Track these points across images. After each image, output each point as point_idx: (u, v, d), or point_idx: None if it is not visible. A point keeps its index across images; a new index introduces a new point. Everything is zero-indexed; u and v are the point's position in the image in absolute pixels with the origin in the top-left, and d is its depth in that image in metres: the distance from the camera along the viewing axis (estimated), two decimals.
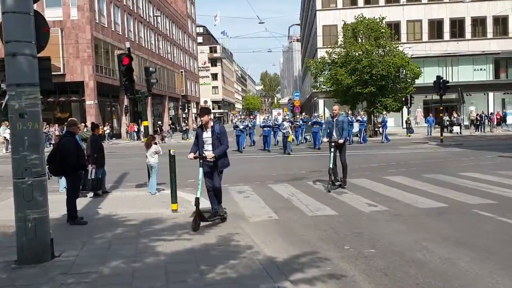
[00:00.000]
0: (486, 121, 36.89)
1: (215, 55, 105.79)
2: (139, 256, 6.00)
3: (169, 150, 9.02)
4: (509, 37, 42.52)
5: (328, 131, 11.34)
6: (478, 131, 36.04)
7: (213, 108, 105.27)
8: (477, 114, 37.61)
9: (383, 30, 33.63)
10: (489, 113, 38.43)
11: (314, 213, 8.52)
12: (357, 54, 32.74)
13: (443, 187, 10.66)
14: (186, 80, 67.61)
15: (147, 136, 11.28)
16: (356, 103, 34.27)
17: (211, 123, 7.76)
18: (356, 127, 28.47)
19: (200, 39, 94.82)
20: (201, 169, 7.78)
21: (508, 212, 7.88)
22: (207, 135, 7.77)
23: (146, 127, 11.24)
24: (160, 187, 11.21)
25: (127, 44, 10.69)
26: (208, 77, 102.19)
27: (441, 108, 26.16)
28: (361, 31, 33.74)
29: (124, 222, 8.16)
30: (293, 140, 22.27)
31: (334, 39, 38.65)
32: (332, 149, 10.80)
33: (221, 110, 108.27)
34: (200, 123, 8.10)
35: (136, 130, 41.36)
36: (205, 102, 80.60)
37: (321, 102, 42.71)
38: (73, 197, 8.17)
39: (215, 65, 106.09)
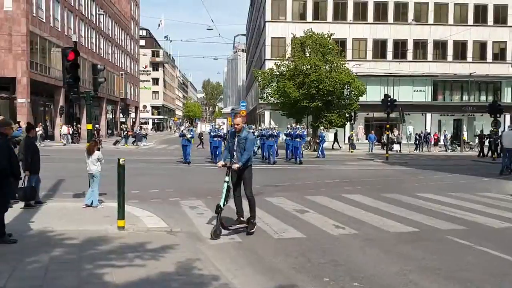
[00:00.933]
0: (424, 140, 38.01)
1: (157, 59, 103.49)
2: None
3: (118, 159, 7.94)
4: (447, 61, 44.36)
5: (228, 151, 8.22)
6: (416, 150, 37.02)
7: (153, 114, 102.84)
8: (416, 134, 38.76)
9: (331, 46, 33.88)
10: (427, 133, 39.62)
11: (280, 235, 7.75)
12: (305, 68, 32.72)
13: (406, 209, 10.27)
14: (126, 83, 65.18)
15: (90, 140, 10.08)
16: (303, 117, 34.17)
17: None
18: None
19: (142, 42, 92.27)
20: None
21: (483, 240, 7.50)
22: None
23: (90, 131, 10.03)
24: (100, 198, 10.02)
25: (74, 37, 9.54)
26: (149, 81, 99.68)
27: (388, 126, 26.45)
28: (310, 45, 33.78)
29: (63, 240, 7.00)
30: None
31: (282, 51, 38.58)
32: (228, 178, 7.77)
33: (161, 116, 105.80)
34: None
35: (70, 132, 39.21)
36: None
37: (267, 113, 42.35)
38: (1, 210, 6.90)
39: (157, 70, 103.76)
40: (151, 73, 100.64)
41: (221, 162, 8.14)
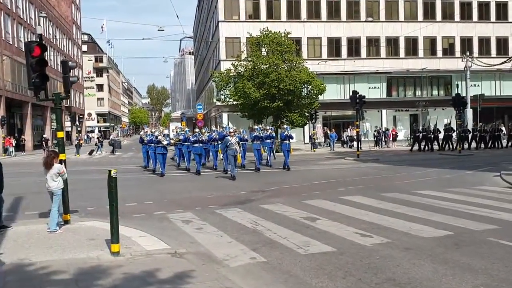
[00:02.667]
0: (383, 136, 38.15)
1: (100, 64, 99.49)
2: None
3: (109, 171, 6.60)
4: (400, 57, 44.86)
5: None
6: (376, 146, 37.04)
7: (98, 122, 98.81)
8: (375, 130, 38.91)
9: (288, 45, 33.19)
10: (385, 129, 39.82)
11: (306, 250, 6.66)
12: (264, 67, 31.88)
13: (420, 209, 9.48)
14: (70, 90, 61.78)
15: (61, 152, 8.57)
16: (263, 117, 33.28)
17: None
18: None
19: (85, 48, 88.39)
20: None
21: None
22: None
23: (61, 139, 8.53)
24: (60, 221, 8.32)
25: (39, 30, 8.03)
26: (93, 87, 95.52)
27: (356, 123, 25.96)
28: (267, 44, 32.98)
29: (50, 276, 5.60)
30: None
31: (238, 51, 37.59)
32: None
33: (107, 124, 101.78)
34: None
35: (13, 144, 36.45)
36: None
37: (225, 115, 41.06)
38: None
39: (101, 76, 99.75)
40: (95, 79, 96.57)
41: None
